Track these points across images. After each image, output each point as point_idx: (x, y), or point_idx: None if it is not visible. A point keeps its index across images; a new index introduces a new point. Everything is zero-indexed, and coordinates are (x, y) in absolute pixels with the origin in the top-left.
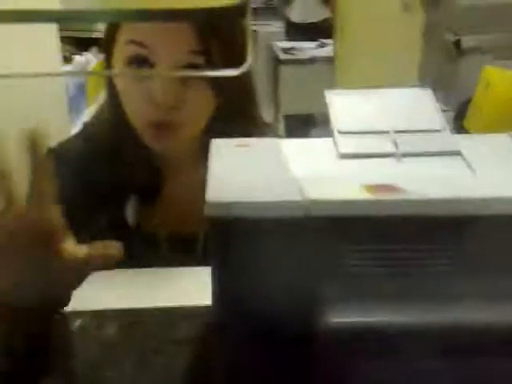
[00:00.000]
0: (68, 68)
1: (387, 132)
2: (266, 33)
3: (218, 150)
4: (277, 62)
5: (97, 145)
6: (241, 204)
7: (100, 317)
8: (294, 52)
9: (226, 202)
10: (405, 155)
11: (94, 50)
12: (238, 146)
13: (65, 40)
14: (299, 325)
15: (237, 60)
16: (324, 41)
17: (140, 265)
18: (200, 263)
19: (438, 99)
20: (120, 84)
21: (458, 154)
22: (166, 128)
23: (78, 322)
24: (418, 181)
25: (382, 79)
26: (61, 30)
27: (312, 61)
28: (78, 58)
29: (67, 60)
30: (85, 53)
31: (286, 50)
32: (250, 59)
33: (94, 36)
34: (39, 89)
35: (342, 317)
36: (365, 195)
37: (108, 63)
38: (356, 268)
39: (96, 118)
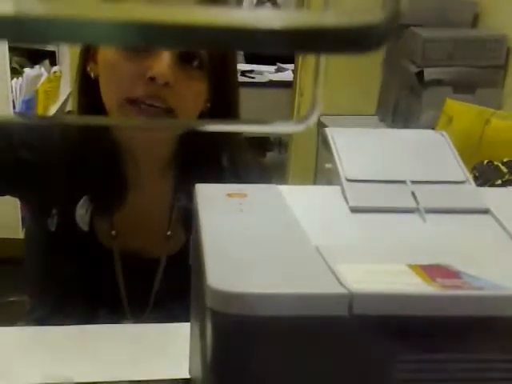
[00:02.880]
0: (17, 81)
1: (403, 182)
2: None
3: (207, 205)
4: None
5: (51, 134)
6: (265, 297)
7: None
8: (254, 75)
9: (243, 293)
10: (427, 211)
11: (46, 62)
12: (231, 196)
13: (14, 51)
14: None
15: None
16: (282, 65)
17: (88, 279)
18: (160, 288)
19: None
20: (106, 62)
21: (486, 211)
22: (151, 104)
23: None
24: (465, 257)
25: (342, 107)
26: None
27: (270, 85)
28: (28, 71)
29: (17, 72)
30: (36, 66)
31: (244, 73)
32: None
33: (46, 49)
34: None
35: None
36: (422, 286)
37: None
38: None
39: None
